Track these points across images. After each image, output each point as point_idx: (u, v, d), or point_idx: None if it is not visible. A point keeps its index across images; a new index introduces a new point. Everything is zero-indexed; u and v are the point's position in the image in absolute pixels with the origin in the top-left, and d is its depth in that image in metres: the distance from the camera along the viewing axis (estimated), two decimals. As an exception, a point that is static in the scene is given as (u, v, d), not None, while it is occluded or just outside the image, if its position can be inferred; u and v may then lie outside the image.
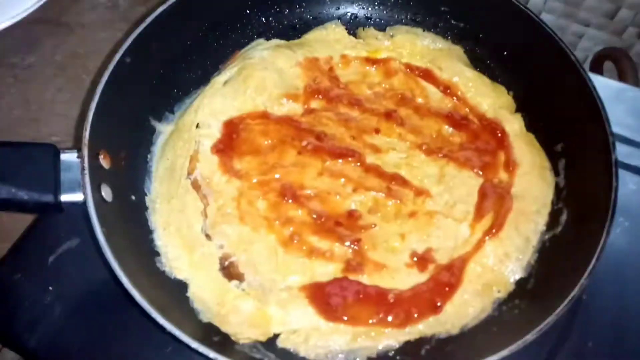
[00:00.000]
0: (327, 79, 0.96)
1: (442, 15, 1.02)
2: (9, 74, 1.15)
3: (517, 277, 0.81)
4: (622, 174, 0.99)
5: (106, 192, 0.76)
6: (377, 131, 0.92)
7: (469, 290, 0.79)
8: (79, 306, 0.86)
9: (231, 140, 0.89)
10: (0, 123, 1.09)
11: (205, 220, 0.83)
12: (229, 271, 0.80)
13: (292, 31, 1.03)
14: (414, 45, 1.00)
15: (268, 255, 0.81)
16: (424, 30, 1.03)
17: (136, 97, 0.87)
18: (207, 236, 0.82)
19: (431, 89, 0.97)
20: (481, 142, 0.91)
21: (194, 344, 0.65)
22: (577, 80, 0.86)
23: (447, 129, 0.93)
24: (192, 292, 0.78)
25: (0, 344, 0.93)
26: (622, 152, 1.00)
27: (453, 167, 0.89)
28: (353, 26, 1.04)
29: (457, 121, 0.93)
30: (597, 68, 1.22)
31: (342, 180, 0.86)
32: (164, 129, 0.91)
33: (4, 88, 1.13)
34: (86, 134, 0.75)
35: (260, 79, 0.93)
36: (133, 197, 0.83)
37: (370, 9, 1.05)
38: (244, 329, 0.75)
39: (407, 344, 0.76)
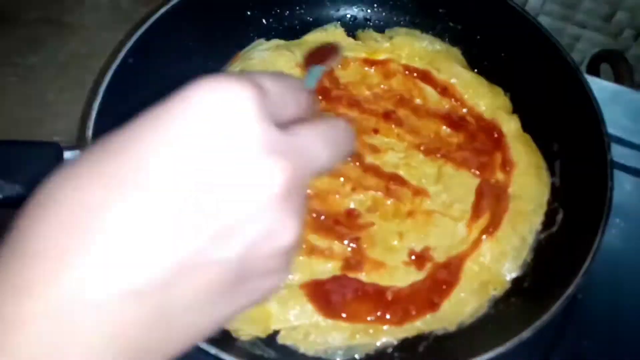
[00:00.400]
0: (326, 79, 0.97)
1: (440, 17, 1.03)
2: (11, 74, 1.16)
3: (514, 275, 0.82)
4: (619, 175, 1.01)
5: (109, 191, 0.77)
6: (375, 131, 0.93)
7: (466, 289, 0.80)
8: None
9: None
10: (2, 122, 1.10)
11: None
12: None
13: (292, 32, 1.04)
14: (413, 47, 1.01)
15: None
16: (422, 32, 1.04)
17: (139, 97, 0.87)
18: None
19: (429, 90, 0.98)
20: (478, 143, 0.92)
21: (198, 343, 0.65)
22: (573, 81, 0.87)
23: (445, 130, 0.94)
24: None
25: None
26: (618, 153, 1.02)
27: (451, 167, 0.90)
28: (352, 28, 1.05)
29: (454, 122, 0.94)
30: (594, 70, 1.23)
31: (341, 179, 0.87)
32: (165, 129, 0.92)
33: (6, 88, 1.14)
34: (89, 132, 0.76)
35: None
36: (135, 196, 0.84)
37: (369, 11, 1.06)
38: (244, 325, 0.75)
39: (405, 341, 0.77)
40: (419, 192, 0.88)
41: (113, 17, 1.25)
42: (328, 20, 1.05)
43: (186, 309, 0.34)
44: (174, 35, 0.92)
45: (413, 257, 0.83)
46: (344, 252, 0.82)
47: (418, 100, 0.97)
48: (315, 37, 1.03)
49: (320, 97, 0.95)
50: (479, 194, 0.88)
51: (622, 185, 1.02)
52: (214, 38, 1.00)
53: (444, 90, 0.97)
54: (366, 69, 1.00)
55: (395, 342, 0.77)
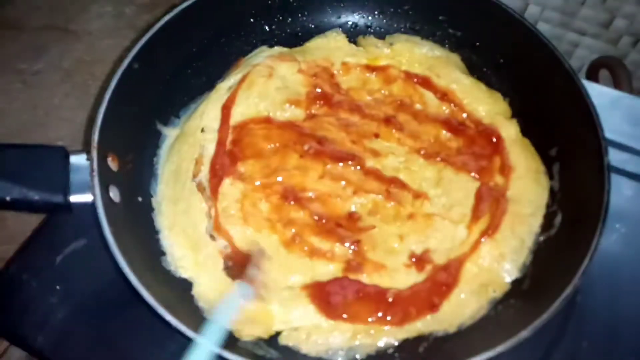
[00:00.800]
0: (328, 85, 0.99)
1: (440, 24, 1.05)
2: (17, 80, 1.18)
3: (513, 277, 0.83)
4: (618, 180, 1.02)
5: (114, 194, 0.79)
6: (376, 136, 0.95)
7: (466, 290, 0.81)
8: (86, 305, 0.88)
9: (235, 145, 0.91)
10: (8, 127, 1.12)
11: (210, 222, 0.85)
12: (233, 271, 0.82)
13: (295, 39, 1.05)
14: (413, 53, 1.03)
15: (271, 256, 0.82)
16: (422, 39, 1.05)
17: (143, 102, 0.89)
18: (212, 237, 0.84)
19: (429, 95, 0.99)
20: (478, 147, 0.94)
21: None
22: (571, 86, 0.88)
23: (445, 134, 0.95)
24: (196, 291, 0.80)
25: (8, 343, 0.95)
26: (618, 158, 1.03)
27: (450, 171, 0.91)
28: (354, 34, 1.06)
29: (454, 127, 0.96)
30: (593, 76, 1.24)
31: (343, 183, 0.89)
32: (170, 133, 0.93)
33: (12, 93, 1.16)
34: (95, 137, 0.77)
35: (263, 85, 0.96)
36: (140, 199, 0.86)
37: (370, 18, 1.08)
38: (246, 326, 0.76)
39: (406, 342, 0.78)
40: (419, 195, 0.89)
41: (117, 25, 1.27)
42: (330, 27, 1.07)
43: None
44: (178, 42, 0.94)
45: (413, 260, 0.84)
46: (345, 254, 0.83)
47: (418, 106, 0.98)
48: (317, 44, 1.05)
49: (322, 103, 0.97)
50: (479, 197, 0.89)
51: (622, 191, 1.02)
52: (217, 44, 1.01)
53: (444, 96, 0.99)
54: (367, 74, 1.01)
55: (396, 343, 0.78)
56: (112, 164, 0.81)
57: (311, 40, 1.05)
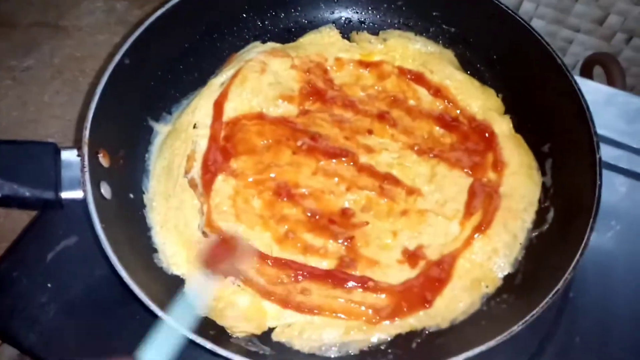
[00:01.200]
0: (321, 81, 0.98)
1: (433, 20, 1.05)
2: (7, 77, 1.17)
3: (505, 272, 0.83)
4: (612, 177, 1.02)
5: (105, 190, 0.78)
6: (370, 132, 0.94)
7: (459, 286, 0.81)
8: (77, 303, 0.87)
9: (228, 141, 0.91)
10: (-1, 124, 1.11)
11: (202, 218, 0.85)
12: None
13: (288, 34, 1.05)
14: (406, 49, 1.03)
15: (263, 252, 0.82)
16: (415, 35, 1.05)
17: (135, 98, 0.89)
18: (204, 233, 0.84)
19: (423, 91, 0.99)
20: (471, 143, 0.94)
21: (192, 336, 0.66)
22: (564, 82, 0.88)
23: (438, 130, 0.95)
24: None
25: (-1, 340, 0.95)
26: (612, 155, 1.03)
27: (444, 167, 0.91)
28: (347, 30, 1.06)
29: (447, 123, 0.96)
30: (587, 73, 1.24)
31: (336, 179, 0.88)
32: (161, 129, 0.93)
33: (2, 90, 1.15)
34: (86, 132, 0.77)
35: (256, 81, 0.95)
36: (131, 195, 0.85)
37: (363, 13, 1.08)
38: (239, 322, 0.76)
39: (399, 337, 0.78)
40: (412, 191, 0.89)
41: (108, 20, 1.26)
42: (323, 23, 1.06)
43: None
44: (169, 37, 0.93)
45: (406, 255, 0.84)
46: (338, 250, 0.83)
47: (412, 102, 0.98)
48: (310, 39, 1.04)
49: (315, 98, 0.96)
50: (472, 193, 0.89)
51: (617, 188, 1.03)
52: (209, 40, 1.01)
53: (437, 92, 0.99)
54: (360, 70, 1.01)
55: (389, 339, 0.78)
56: (103, 160, 0.80)
57: (304, 36, 1.05)
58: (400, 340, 0.78)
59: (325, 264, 0.82)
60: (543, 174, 0.91)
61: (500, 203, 0.87)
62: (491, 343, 0.67)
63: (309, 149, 0.90)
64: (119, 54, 0.84)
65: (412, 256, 0.83)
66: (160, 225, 0.84)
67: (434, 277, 0.81)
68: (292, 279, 0.79)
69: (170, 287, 0.79)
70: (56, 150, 0.77)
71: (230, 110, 0.93)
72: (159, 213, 0.85)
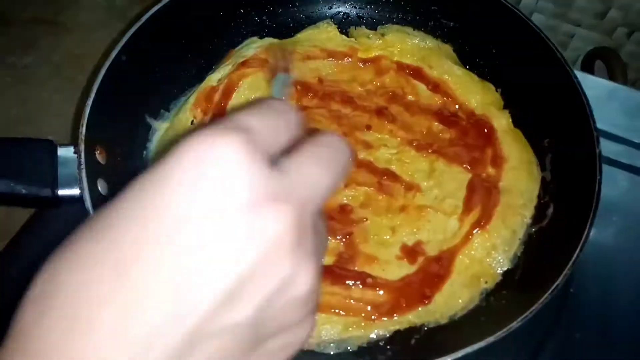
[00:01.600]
0: (319, 77, 0.98)
1: (432, 15, 1.04)
2: (6, 74, 1.16)
3: (504, 268, 0.83)
4: (614, 172, 1.02)
5: (103, 187, 0.78)
6: (368, 128, 0.94)
7: (458, 282, 0.81)
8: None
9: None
10: (-3, 122, 1.11)
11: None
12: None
13: (285, 30, 1.04)
14: (405, 44, 1.02)
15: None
16: (414, 29, 1.04)
17: (132, 95, 0.88)
18: (202, 231, 0.83)
19: (421, 86, 0.98)
20: (470, 138, 0.93)
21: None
22: (563, 77, 0.88)
23: (437, 126, 0.95)
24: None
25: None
26: (613, 150, 1.02)
27: (442, 163, 0.91)
28: (345, 25, 1.05)
29: (446, 118, 0.95)
30: (588, 67, 1.23)
31: (334, 175, 0.88)
32: (159, 126, 0.93)
33: (1, 88, 1.14)
34: (83, 129, 0.76)
35: (254, 77, 0.95)
36: (129, 193, 0.85)
37: (362, 8, 1.07)
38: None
39: (398, 334, 0.78)
40: (411, 187, 0.89)
41: (108, 16, 1.25)
42: (321, 18, 1.06)
43: None
44: (167, 33, 0.93)
45: (405, 251, 0.83)
46: (337, 246, 0.83)
47: (410, 97, 0.98)
48: (308, 35, 1.04)
49: (312, 94, 0.96)
50: (471, 188, 0.88)
51: (618, 183, 1.02)
52: (207, 36, 1.00)
53: (436, 87, 0.98)
54: (359, 65, 1.00)
55: (388, 335, 0.78)
56: (100, 157, 0.80)
57: (302, 31, 1.04)
58: (399, 337, 0.77)
59: (324, 261, 0.82)
60: (543, 169, 0.90)
61: (499, 198, 0.86)
62: (490, 339, 0.67)
63: (307, 145, 0.89)
64: (115, 51, 0.84)
65: (411, 252, 0.83)
66: (158, 222, 0.83)
67: (433, 273, 0.81)
68: None
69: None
70: (53, 147, 0.77)
71: (228, 107, 0.93)
72: (156, 210, 0.84)
